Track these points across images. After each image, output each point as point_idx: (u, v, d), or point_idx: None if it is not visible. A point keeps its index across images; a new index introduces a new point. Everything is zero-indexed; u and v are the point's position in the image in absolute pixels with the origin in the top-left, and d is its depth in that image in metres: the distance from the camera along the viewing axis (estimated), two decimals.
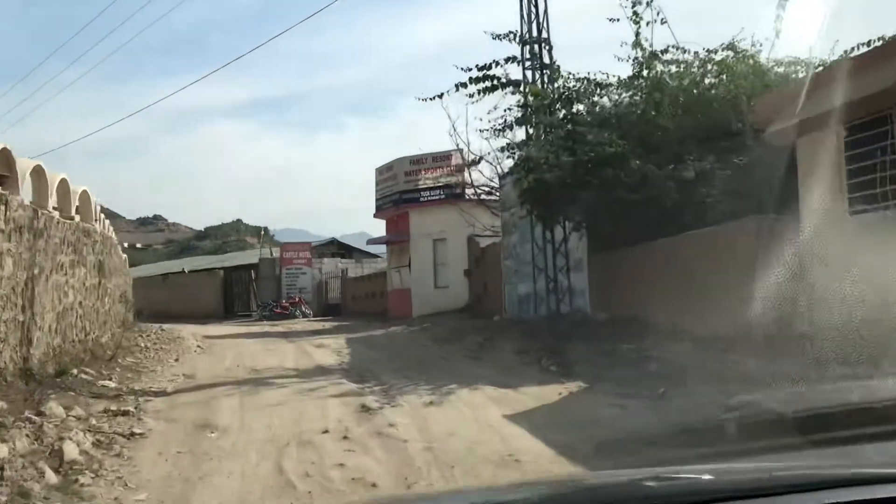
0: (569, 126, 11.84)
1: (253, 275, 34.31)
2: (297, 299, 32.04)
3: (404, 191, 23.17)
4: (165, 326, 18.89)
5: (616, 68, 20.25)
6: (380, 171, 25.07)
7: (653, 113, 11.00)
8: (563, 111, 12.49)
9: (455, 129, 19.19)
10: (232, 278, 35.44)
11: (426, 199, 22.72)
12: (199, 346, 15.10)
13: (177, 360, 12.52)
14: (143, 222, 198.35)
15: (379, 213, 25.23)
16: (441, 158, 22.26)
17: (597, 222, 12.03)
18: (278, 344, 15.87)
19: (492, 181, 18.75)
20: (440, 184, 22.17)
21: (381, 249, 34.01)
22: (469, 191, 20.22)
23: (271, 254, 34.49)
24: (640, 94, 11.83)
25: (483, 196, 19.38)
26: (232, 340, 17.50)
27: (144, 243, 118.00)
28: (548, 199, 11.68)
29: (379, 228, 28.03)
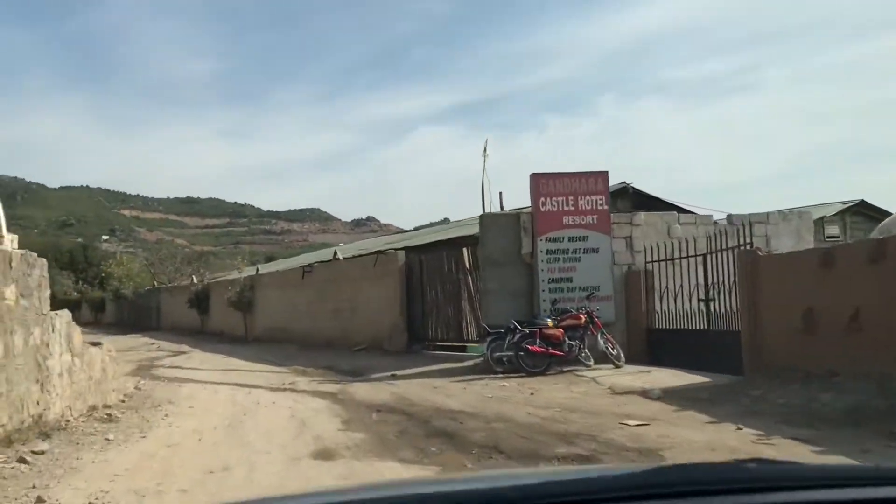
0: None
1: (468, 260, 13.35)
2: (581, 316, 10.14)
3: None
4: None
5: None
6: None
7: None
8: None
9: None
10: (424, 269, 15.01)
11: None
12: None
13: None
14: (357, 224, 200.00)
15: None
16: None
17: None
18: None
19: None
20: None
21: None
22: None
23: (501, 207, 13.58)
24: None
25: None
26: None
27: None
28: None
29: None
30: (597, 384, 10.87)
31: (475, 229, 17.25)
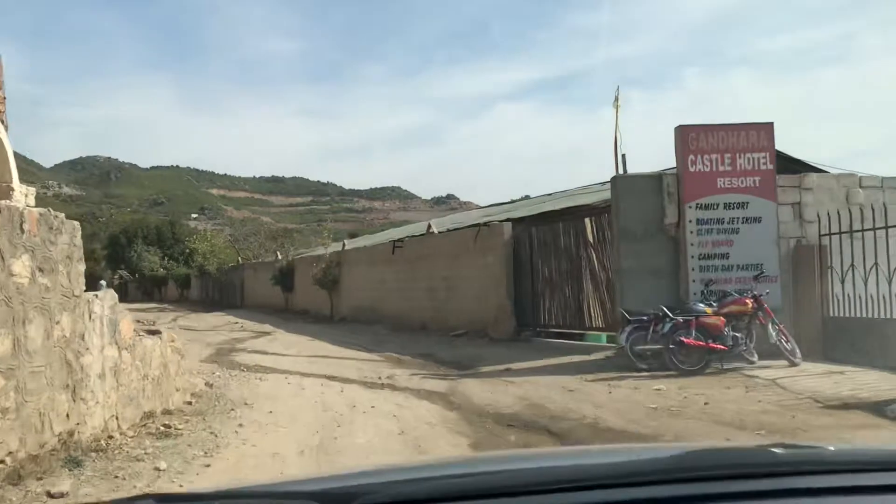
0: None
1: (592, 233, 10.75)
2: (747, 300, 7.24)
3: None
4: None
5: None
6: None
7: None
8: None
9: None
10: (534, 243, 12.52)
11: None
12: None
13: None
14: (437, 202, 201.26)
15: None
16: None
17: None
18: None
19: None
20: None
21: None
22: None
23: (624, 171, 10.86)
24: None
25: None
26: None
27: None
28: None
29: None
30: (784, 389, 8.34)
31: (593, 198, 14.80)
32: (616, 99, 12.04)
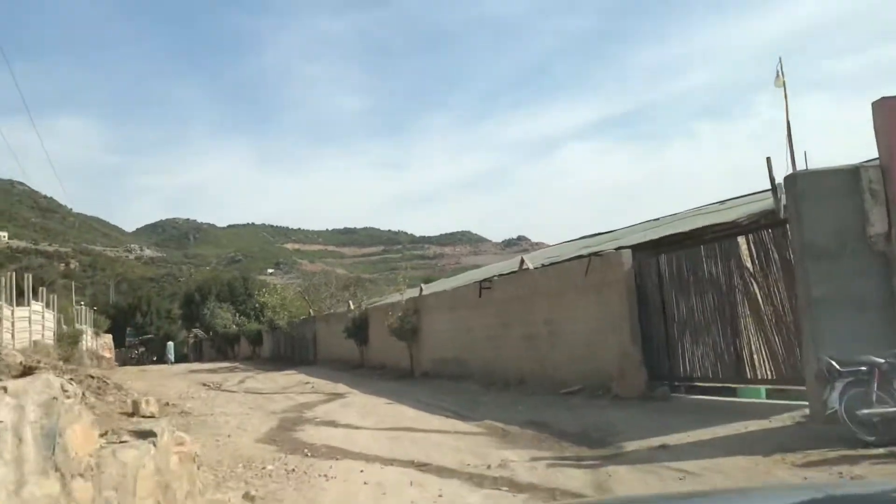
0: None
1: (750, 256, 7.39)
2: None
3: None
4: None
5: None
6: None
7: None
8: None
9: None
10: (663, 274, 9.26)
11: None
12: None
13: None
14: (508, 244, 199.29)
15: None
16: None
17: None
18: None
19: None
20: None
21: None
22: None
23: (791, 157, 7.65)
24: None
25: None
26: None
27: None
28: None
29: None
30: None
31: (733, 213, 11.69)
32: (778, 75, 9.03)
